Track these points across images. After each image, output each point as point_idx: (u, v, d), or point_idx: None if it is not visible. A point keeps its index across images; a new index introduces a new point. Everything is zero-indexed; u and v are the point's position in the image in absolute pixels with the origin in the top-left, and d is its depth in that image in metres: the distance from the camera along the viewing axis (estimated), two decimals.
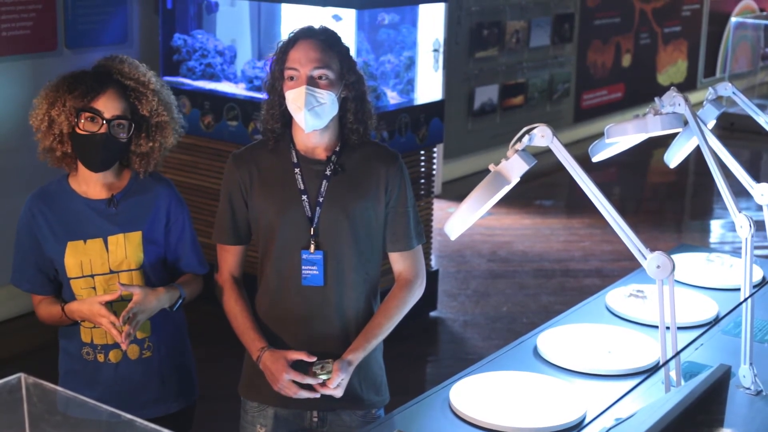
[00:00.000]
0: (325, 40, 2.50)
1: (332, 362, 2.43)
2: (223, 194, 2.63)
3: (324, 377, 2.42)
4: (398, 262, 2.63)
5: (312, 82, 2.45)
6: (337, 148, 2.55)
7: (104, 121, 2.51)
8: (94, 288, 2.59)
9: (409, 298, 2.62)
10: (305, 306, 2.53)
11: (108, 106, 2.52)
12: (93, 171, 2.58)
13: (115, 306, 2.54)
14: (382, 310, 2.59)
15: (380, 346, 2.67)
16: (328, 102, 2.47)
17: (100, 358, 2.62)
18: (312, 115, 2.46)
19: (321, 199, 2.52)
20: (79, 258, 2.57)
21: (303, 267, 2.52)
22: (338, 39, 2.55)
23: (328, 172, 2.53)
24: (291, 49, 2.49)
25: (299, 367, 2.47)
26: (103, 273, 2.59)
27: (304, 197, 2.53)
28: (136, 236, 2.61)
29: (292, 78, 2.47)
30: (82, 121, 2.51)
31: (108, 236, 2.59)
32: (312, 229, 2.52)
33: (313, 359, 2.45)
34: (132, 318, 2.50)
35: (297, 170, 2.54)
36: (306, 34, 2.51)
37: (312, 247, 2.52)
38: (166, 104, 2.63)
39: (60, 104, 2.52)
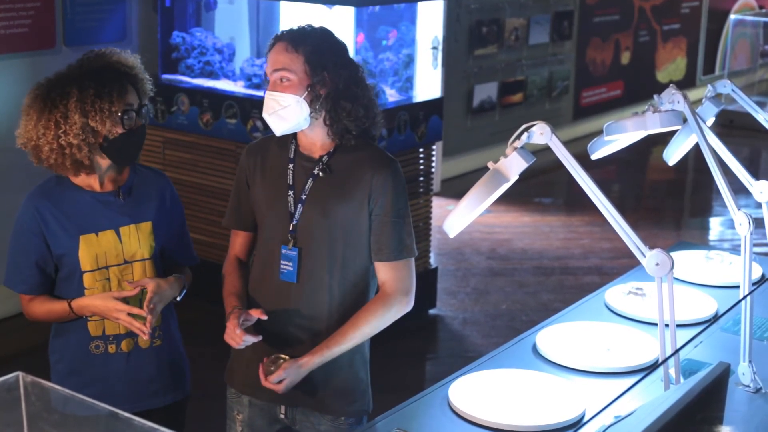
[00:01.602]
0: (290, 40, 2.48)
1: (284, 359, 2.46)
2: (235, 180, 2.69)
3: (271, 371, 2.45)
4: (381, 272, 2.56)
5: (274, 86, 2.48)
6: (332, 149, 2.55)
7: (135, 114, 2.56)
8: (108, 279, 2.61)
9: (386, 313, 2.52)
10: (279, 301, 2.54)
11: (133, 97, 2.57)
12: (126, 165, 2.66)
13: (130, 300, 2.58)
14: (353, 319, 2.52)
15: (362, 355, 2.62)
16: (292, 104, 2.45)
17: (111, 349, 2.64)
18: (276, 119, 2.48)
19: (304, 197, 2.52)
20: (94, 251, 2.59)
21: (281, 262, 2.54)
22: (308, 37, 2.49)
23: (315, 171, 2.53)
24: (269, 53, 2.52)
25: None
26: (118, 264, 2.62)
27: (290, 193, 2.54)
28: (147, 226, 2.65)
29: (267, 81, 2.52)
30: (125, 119, 2.54)
31: (119, 227, 2.62)
32: (292, 225, 2.53)
33: (264, 317, 2.47)
34: (153, 308, 2.54)
35: (290, 166, 2.55)
36: (278, 37, 2.52)
37: (290, 243, 2.53)
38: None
39: (96, 112, 2.50)
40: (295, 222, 2.53)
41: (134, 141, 2.58)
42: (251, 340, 2.45)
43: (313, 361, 2.47)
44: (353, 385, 2.61)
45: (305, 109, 2.48)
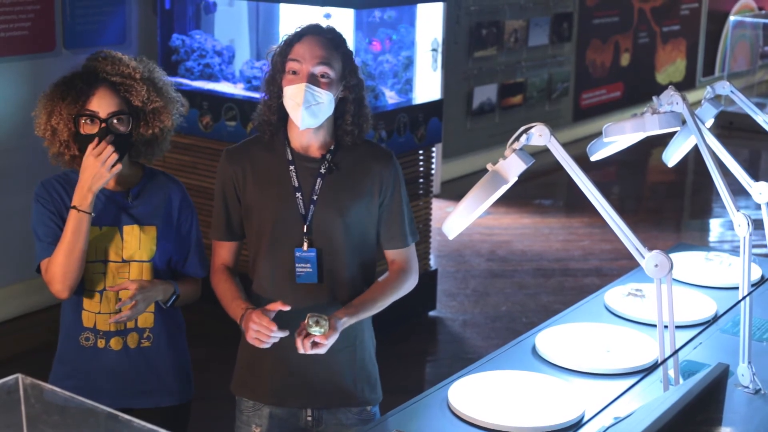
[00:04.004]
0: (332, 39, 2.51)
1: (326, 318, 2.38)
2: (217, 190, 2.65)
3: (317, 332, 2.36)
4: (391, 255, 2.66)
5: (313, 79, 2.46)
6: (332, 147, 2.56)
7: (101, 121, 2.56)
8: (104, 273, 2.63)
9: (405, 283, 2.63)
10: (300, 303, 2.52)
11: (102, 105, 2.57)
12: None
13: (120, 294, 2.61)
14: (379, 285, 2.59)
15: (373, 342, 2.69)
16: (326, 102, 2.48)
17: (101, 344, 2.65)
18: (308, 114, 2.47)
19: (315, 197, 2.53)
20: (95, 243, 2.61)
21: (297, 265, 2.53)
22: (343, 40, 2.56)
23: (322, 171, 2.54)
24: (296, 43, 2.49)
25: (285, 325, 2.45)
26: (116, 261, 2.64)
27: (298, 195, 2.53)
28: (152, 230, 2.67)
29: (293, 72, 2.48)
30: (81, 124, 2.57)
31: (123, 226, 2.64)
32: (305, 227, 2.53)
33: (287, 308, 2.40)
34: (134, 305, 2.55)
35: (291, 168, 2.55)
36: (313, 30, 2.52)
37: (305, 245, 2.53)
38: (157, 89, 2.68)
39: (57, 113, 2.58)
40: (308, 223, 2.53)
41: (88, 147, 2.54)
42: (280, 334, 2.38)
43: (350, 321, 2.48)
44: (373, 372, 2.67)
45: (332, 108, 2.51)
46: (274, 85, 2.54)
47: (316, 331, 2.36)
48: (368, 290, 2.58)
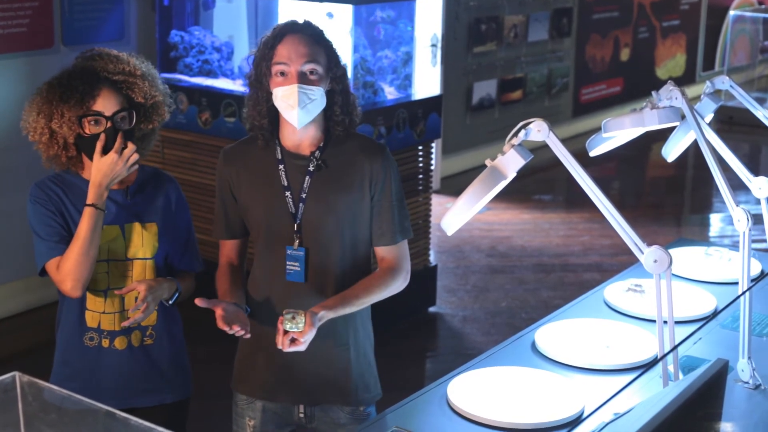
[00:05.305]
0: (312, 35, 2.51)
1: (303, 314, 2.35)
2: (216, 190, 2.67)
3: (294, 329, 2.33)
4: (381, 252, 2.62)
5: (303, 78, 2.46)
6: (321, 144, 2.55)
7: (107, 120, 2.55)
8: (108, 273, 2.63)
9: (392, 283, 2.57)
10: (290, 300, 2.52)
11: (106, 104, 2.56)
12: None
13: (128, 295, 2.61)
14: (364, 283, 2.55)
15: (370, 341, 2.68)
16: (319, 97, 2.48)
17: (105, 343, 2.65)
18: (304, 113, 2.47)
19: (304, 195, 2.52)
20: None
21: (287, 263, 2.54)
22: (323, 33, 2.56)
23: (311, 168, 2.53)
24: (278, 45, 2.48)
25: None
26: (120, 259, 2.63)
27: (288, 193, 2.53)
28: (153, 227, 2.67)
29: (281, 74, 2.48)
30: (86, 125, 2.55)
31: (124, 224, 2.64)
32: (296, 225, 2.52)
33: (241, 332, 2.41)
34: (146, 307, 2.54)
35: (281, 167, 2.55)
36: (292, 28, 2.51)
37: (296, 243, 2.52)
38: (153, 83, 2.69)
39: (58, 116, 2.55)
40: (298, 222, 2.53)
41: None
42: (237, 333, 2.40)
43: (328, 315, 2.43)
44: (369, 373, 2.65)
45: (324, 102, 2.51)
46: (261, 89, 2.53)
47: (292, 327, 2.34)
48: (353, 286, 2.54)
